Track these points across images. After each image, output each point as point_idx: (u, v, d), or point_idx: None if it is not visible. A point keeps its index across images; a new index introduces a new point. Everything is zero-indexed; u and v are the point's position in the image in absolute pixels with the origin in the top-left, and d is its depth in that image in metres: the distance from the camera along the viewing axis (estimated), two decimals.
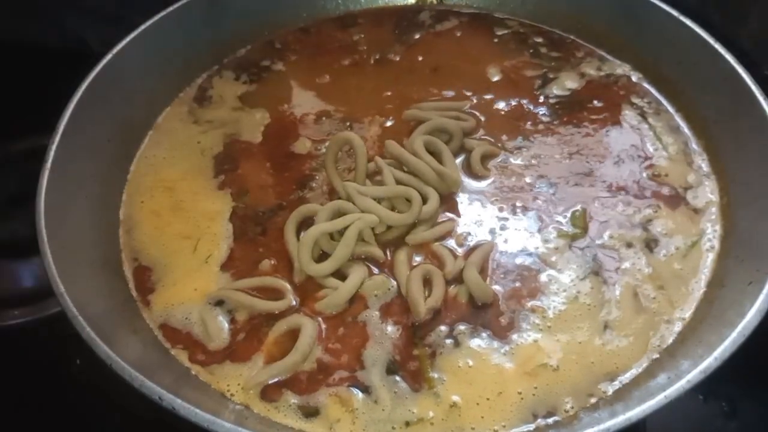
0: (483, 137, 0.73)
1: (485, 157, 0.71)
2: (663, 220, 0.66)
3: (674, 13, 0.74)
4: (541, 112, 0.76)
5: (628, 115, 0.75)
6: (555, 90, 0.78)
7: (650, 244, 0.64)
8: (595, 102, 0.76)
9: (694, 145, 0.72)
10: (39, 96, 0.80)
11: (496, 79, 0.80)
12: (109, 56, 0.72)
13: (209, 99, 0.80)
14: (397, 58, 0.83)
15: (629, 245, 0.64)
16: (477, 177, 0.70)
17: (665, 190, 0.68)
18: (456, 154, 0.70)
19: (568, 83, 0.78)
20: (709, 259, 0.63)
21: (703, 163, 0.70)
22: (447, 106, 0.76)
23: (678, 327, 0.59)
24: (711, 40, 0.70)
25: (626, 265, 0.63)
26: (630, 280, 0.62)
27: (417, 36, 0.86)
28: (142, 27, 0.75)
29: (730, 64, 0.68)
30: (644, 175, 0.69)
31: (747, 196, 0.65)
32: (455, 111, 0.75)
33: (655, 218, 0.66)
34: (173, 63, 0.79)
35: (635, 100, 0.76)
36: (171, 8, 0.77)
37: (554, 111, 0.76)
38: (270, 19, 0.87)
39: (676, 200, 0.67)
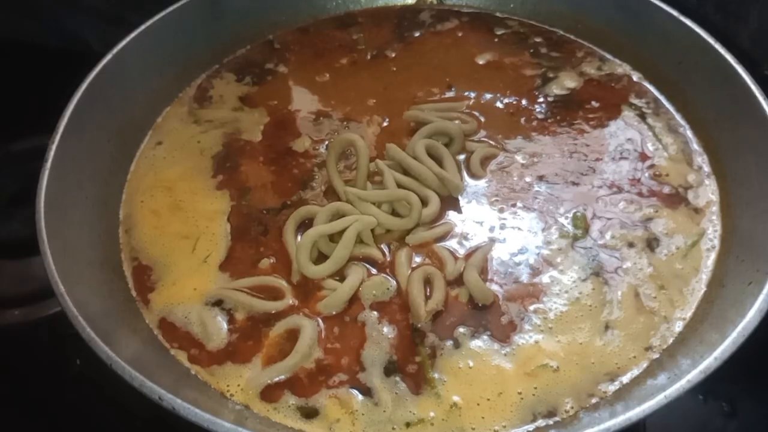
0: (483, 138, 0.73)
1: (485, 159, 0.71)
2: (664, 220, 0.66)
3: (674, 13, 0.74)
4: (540, 112, 0.76)
5: (628, 115, 0.75)
6: (555, 89, 0.78)
7: (651, 244, 0.64)
8: (595, 102, 0.76)
9: (694, 145, 0.72)
10: (39, 96, 0.80)
11: (495, 78, 0.80)
12: (109, 56, 0.72)
13: (209, 99, 0.80)
14: (397, 58, 0.83)
15: (631, 245, 0.64)
16: (477, 178, 0.70)
17: (666, 190, 0.68)
18: (456, 155, 0.70)
19: (567, 83, 0.78)
20: (710, 259, 0.63)
21: (703, 163, 0.70)
22: (447, 107, 0.76)
23: (678, 327, 0.59)
24: (711, 40, 0.70)
25: (628, 264, 0.63)
26: (632, 280, 0.62)
27: (417, 36, 0.86)
28: (142, 27, 0.75)
29: (730, 64, 0.68)
30: (645, 174, 0.69)
31: (747, 196, 0.65)
32: (455, 111, 0.75)
33: (656, 217, 0.66)
34: (173, 63, 0.79)
35: (635, 100, 0.76)
36: (171, 8, 0.77)
37: (554, 110, 0.76)
38: (270, 19, 0.87)
39: (676, 200, 0.67)
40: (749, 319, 0.52)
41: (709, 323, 0.57)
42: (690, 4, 0.81)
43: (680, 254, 0.63)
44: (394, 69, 0.82)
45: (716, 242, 0.64)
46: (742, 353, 0.50)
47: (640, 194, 0.68)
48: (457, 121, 0.73)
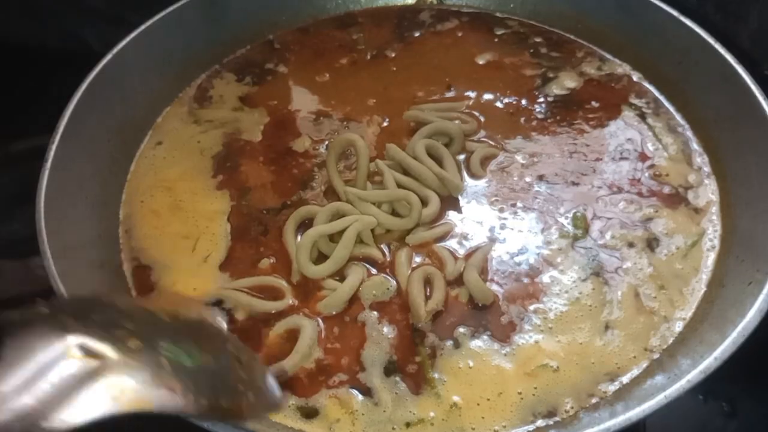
0: (483, 138, 0.73)
1: (485, 159, 0.71)
2: (664, 220, 0.66)
3: (674, 13, 0.74)
4: (540, 112, 0.76)
5: (628, 115, 0.75)
6: (555, 89, 0.78)
7: (651, 244, 0.64)
8: (595, 102, 0.76)
9: (694, 145, 0.72)
10: (39, 96, 0.80)
11: (495, 78, 0.80)
12: (109, 56, 0.72)
13: (209, 99, 0.80)
14: (397, 58, 0.83)
15: (631, 245, 0.64)
16: (477, 178, 0.70)
17: (666, 190, 0.68)
18: (456, 155, 0.71)
19: (567, 82, 0.78)
20: (710, 259, 0.63)
21: (703, 163, 0.70)
22: (447, 107, 0.76)
23: (678, 327, 0.59)
24: (711, 40, 0.70)
25: (628, 264, 0.63)
26: (632, 280, 0.62)
27: (417, 36, 0.86)
28: (142, 27, 0.75)
29: (730, 64, 0.68)
30: (645, 174, 0.69)
31: (747, 196, 0.65)
32: (455, 111, 0.75)
33: (656, 217, 0.66)
34: (173, 63, 0.80)
35: (635, 100, 0.76)
36: (171, 8, 0.77)
37: (554, 110, 0.76)
38: (270, 19, 0.87)
39: (676, 200, 0.67)
40: (749, 319, 0.52)
41: (709, 323, 0.57)
42: (690, 4, 0.81)
43: (680, 254, 0.63)
44: (394, 69, 0.82)
45: (716, 242, 0.64)
46: (742, 353, 0.50)
47: (640, 194, 0.68)
48: (457, 121, 0.73)
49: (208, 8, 0.81)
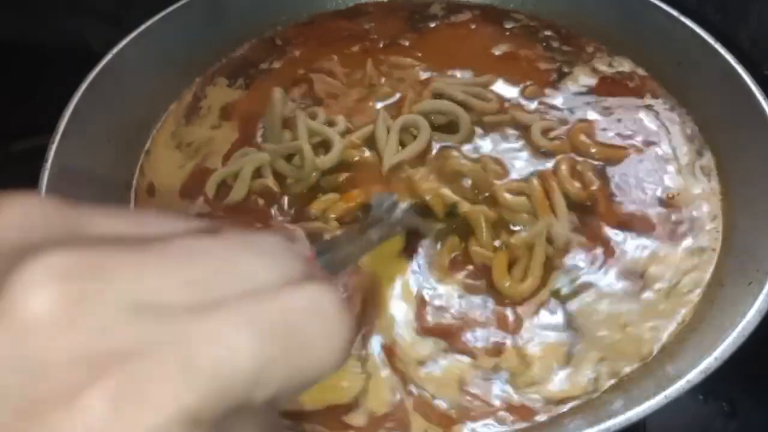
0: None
1: (545, 131, 0.70)
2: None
3: (674, 12, 0.74)
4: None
5: (645, 111, 0.74)
6: (570, 86, 0.76)
7: None
8: (611, 97, 0.75)
9: (694, 144, 0.72)
10: (39, 96, 0.80)
11: (512, 70, 0.78)
12: (109, 56, 0.72)
13: (198, 112, 0.78)
14: (411, 47, 0.82)
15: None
16: (540, 149, 0.68)
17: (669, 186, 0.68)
18: (466, 141, 0.70)
19: (582, 78, 0.77)
20: (710, 258, 0.63)
21: (703, 162, 0.70)
22: (471, 82, 0.76)
23: (678, 327, 0.59)
24: (711, 40, 0.70)
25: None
26: None
27: (431, 26, 0.85)
28: (142, 27, 0.75)
29: (730, 64, 0.68)
30: (657, 169, 0.68)
31: (747, 196, 0.64)
32: (480, 87, 0.75)
33: None
34: (173, 63, 0.79)
35: (650, 100, 0.75)
36: (171, 8, 0.77)
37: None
38: (271, 18, 0.86)
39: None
40: (749, 319, 0.52)
41: (708, 323, 0.57)
42: (690, 4, 0.81)
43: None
44: (420, 54, 0.81)
45: (717, 241, 0.64)
46: (742, 353, 0.50)
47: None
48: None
49: (209, 8, 0.81)
